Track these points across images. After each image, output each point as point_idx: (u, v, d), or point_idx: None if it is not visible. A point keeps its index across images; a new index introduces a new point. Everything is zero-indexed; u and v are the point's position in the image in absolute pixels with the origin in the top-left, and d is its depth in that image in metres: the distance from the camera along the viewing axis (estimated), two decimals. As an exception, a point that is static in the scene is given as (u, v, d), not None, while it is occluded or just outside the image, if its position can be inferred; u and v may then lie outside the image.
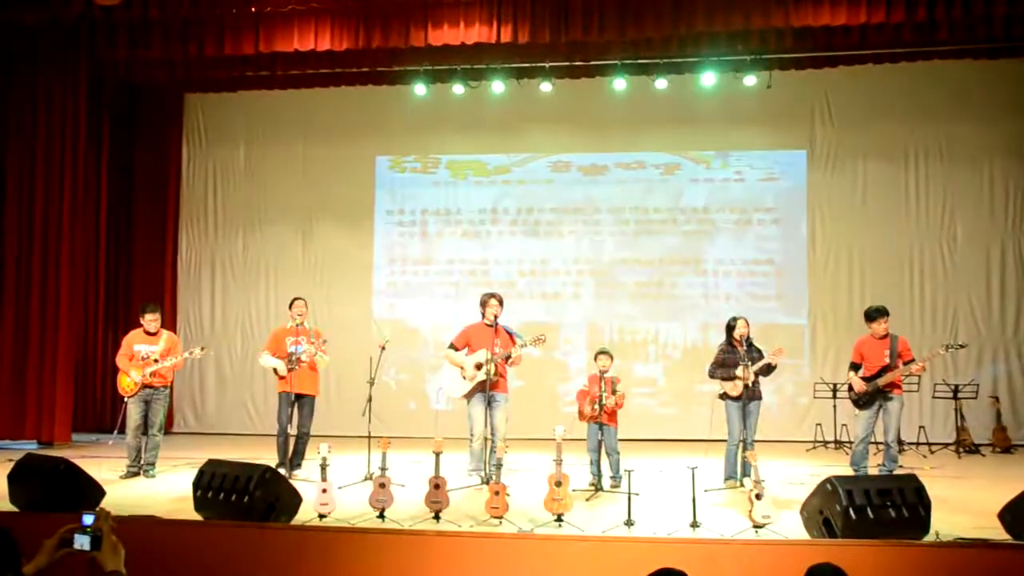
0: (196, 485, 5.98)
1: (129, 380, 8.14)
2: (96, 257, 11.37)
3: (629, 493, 6.10)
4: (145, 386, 8.13)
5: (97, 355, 11.41)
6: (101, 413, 11.45)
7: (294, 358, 8.10)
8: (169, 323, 11.24)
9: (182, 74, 11.00)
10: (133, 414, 8.15)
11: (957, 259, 10.93)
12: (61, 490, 5.98)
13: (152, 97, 12.07)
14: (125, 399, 8.23)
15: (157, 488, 7.64)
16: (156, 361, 8.14)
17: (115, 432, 9.53)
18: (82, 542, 3.11)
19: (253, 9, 9.27)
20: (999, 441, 10.14)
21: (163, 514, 6.01)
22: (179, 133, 12.23)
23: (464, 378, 7.82)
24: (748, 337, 7.85)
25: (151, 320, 8.29)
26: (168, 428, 10.15)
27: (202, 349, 8.65)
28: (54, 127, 10.28)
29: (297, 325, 8.28)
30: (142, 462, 8.19)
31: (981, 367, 10.70)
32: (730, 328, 7.93)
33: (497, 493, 6.06)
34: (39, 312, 10.16)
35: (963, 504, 6.83)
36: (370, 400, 8.16)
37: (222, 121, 12.25)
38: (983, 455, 9.81)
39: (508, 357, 7.78)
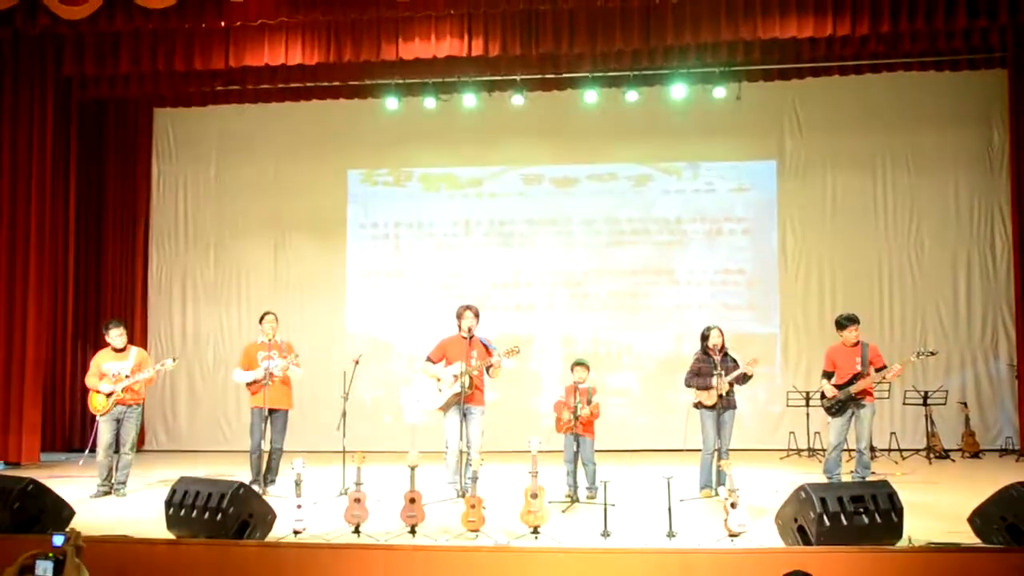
0: (168, 503, 5.92)
1: (100, 398, 8.04)
2: (64, 274, 11.20)
3: (605, 504, 6.12)
4: (117, 403, 8.04)
5: (66, 373, 11.23)
6: (71, 432, 11.28)
7: (267, 373, 8.04)
8: (140, 340, 11.14)
9: (151, 89, 10.92)
10: (104, 432, 8.06)
11: (925, 267, 11.09)
12: (29, 511, 5.89)
13: (121, 112, 11.97)
14: (97, 417, 8.13)
15: (129, 507, 7.55)
16: (127, 377, 8.04)
17: (86, 451, 9.40)
18: (44, 568, 3.07)
19: (223, 23, 9.20)
20: (968, 446, 10.27)
21: (135, 533, 5.92)
22: (149, 148, 12.12)
23: (440, 391, 7.79)
24: (723, 347, 7.90)
25: (116, 336, 8.20)
26: (140, 446, 10.00)
27: (173, 360, 8.57)
28: (20, 142, 10.12)
29: (269, 340, 8.24)
30: (113, 481, 8.09)
31: (950, 373, 10.84)
32: (704, 338, 7.98)
33: (473, 506, 6.06)
34: (6, 329, 9.98)
35: (934, 509, 6.92)
36: (344, 415, 8.12)
37: (192, 136, 12.16)
38: (953, 460, 9.93)
39: (488, 367, 7.77)
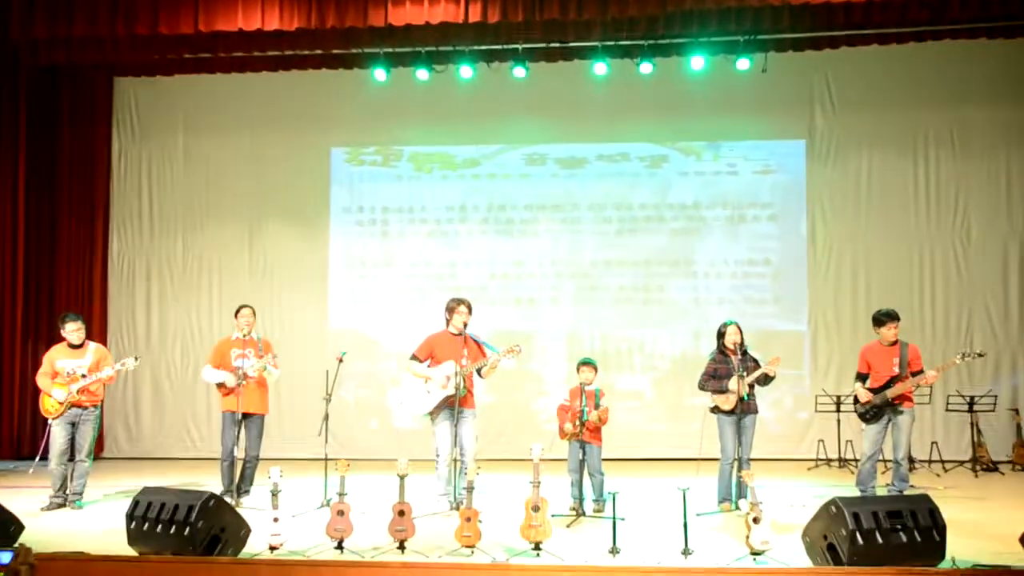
0: (130, 516, 5.91)
1: (52, 400, 8.03)
2: (13, 261, 11.18)
3: (614, 518, 6.12)
4: (72, 405, 8.03)
5: (14, 372, 11.21)
6: (19, 438, 11.26)
7: (241, 373, 8.04)
8: (99, 335, 11.14)
9: (111, 55, 10.85)
10: (58, 438, 8.05)
11: (971, 259, 11.08)
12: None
13: (78, 81, 11.93)
14: (49, 421, 8.12)
15: (85, 521, 7.55)
16: (84, 376, 8.04)
17: (37, 459, 9.42)
18: (-5, 588, 3.06)
19: (192, -18, 9.22)
20: (1020, 458, 10.26)
21: (93, 550, 5.94)
22: (108, 122, 12.10)
23: (428, 392, 7.79)
24: (742, 345, 7.89)
25: (73, 331, 8.20)
26: (98, 453, 10.03)
27: (135, 359, 8.57)
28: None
29: (244, 336, 8.24)
30: (68, 492, 8.09)
31: (999, 377, 10.83)
32: (720, 335, 7.98)
33: (468, 520, 6.05)
34: (-51, 324, 10.01)
35: (981, 527, 6.91)
36: (326, 418, 8.12)
37: (158, 109, 12.13)
38: (1002, 473, 9.93)
39: (482, 368, 7.76)
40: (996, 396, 10.29)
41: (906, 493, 7.54)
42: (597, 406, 7.64)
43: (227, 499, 7.15)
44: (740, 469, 7.48)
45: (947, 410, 10.42)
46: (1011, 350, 10.93)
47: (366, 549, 6.06)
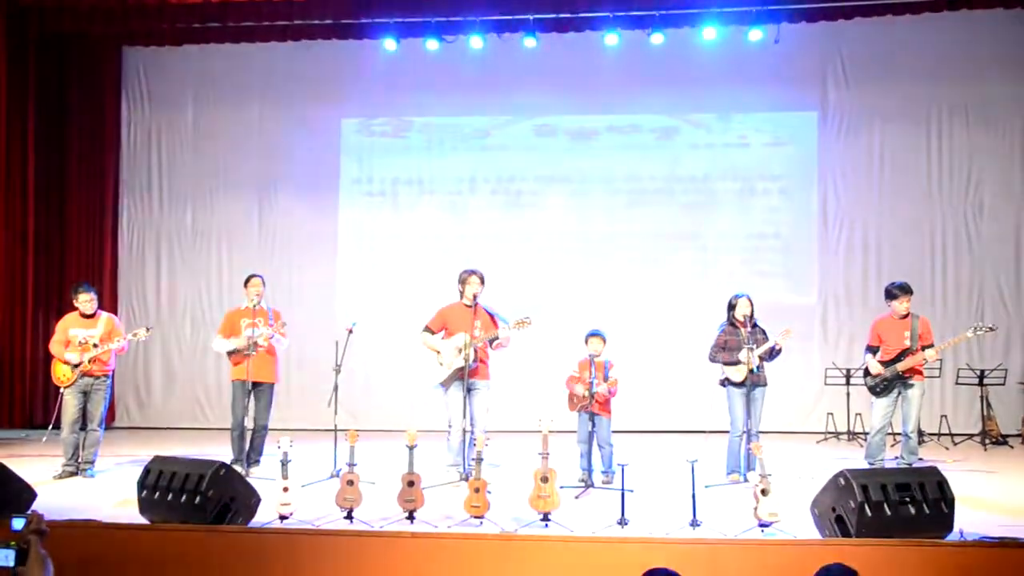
0: (141, 485, 5.95)
1: (65, 368, 8.07)
2: (24, 232, 11.17)
3: (623, 489, 6.13)
4: (84, 375, 8.07)
5: (26, 342, 11.24)
6: (31, 406, 11.32)
7: (251, 342, 8.05)
8: (109, 306, 11.16)
9: (120, 24, 10.82)
10: (70, 406, 8.09)
11: (983, 232, 11.00)
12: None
13: (86, 51, 11.85)
14: (61, 389, 8.17)
15: (97, 489, 7.60)
16: (95, 346, 8.07)
17: (49, 427, 9.47)
18: (5, 556, 3.06)
19: (200, -49, 9.16)
20: (1028, 432, 10.27)
21: (104, 518, 5.98)
22: (117, 92, 12.05)
23: (441, 364, 7.81)
24: (752, 317, 7.88)
25: (86, 301, 8.22)
26: (109, 422, 10.07)
27: (147, 330, 8.60)
28: (-30, 86, 10.11)
29: (253, 306, 8.23)
30: (80, 460, 8.14)
31: (1010, 351, 10.78)
32: (731, 307, 7.97)
33: (477, 490, 6.07)
34: (-41, 294, 10.03)
35: (989, 500, 6.93)
36: (336, 389, 8.14)
37: (167, 78, 12.08)
38: (1011, 447, 9.91)
39: (493, 340, 7.77)
40: (1006, 370, 10.26)
41: (915, 466, 7.55)
42: (606, 378, 7.64)
43: (237, 468, 7.20)
44: (749, 441, 7.48)
45: (957, 383, 10.39)
46: (1022, 324, 10.88)
47: (375, 519, 6.08)
